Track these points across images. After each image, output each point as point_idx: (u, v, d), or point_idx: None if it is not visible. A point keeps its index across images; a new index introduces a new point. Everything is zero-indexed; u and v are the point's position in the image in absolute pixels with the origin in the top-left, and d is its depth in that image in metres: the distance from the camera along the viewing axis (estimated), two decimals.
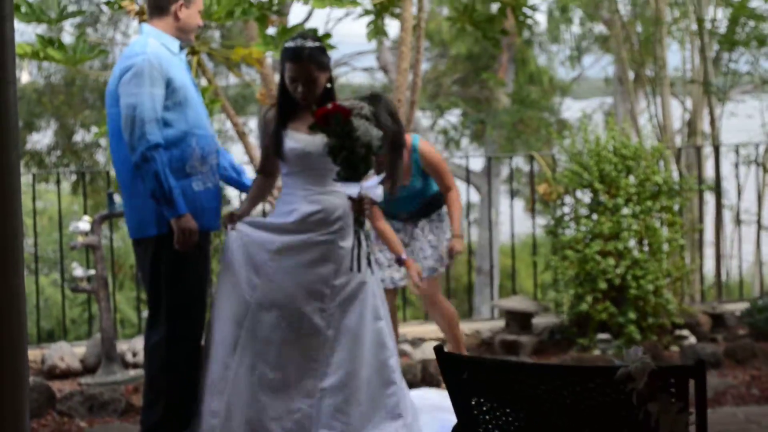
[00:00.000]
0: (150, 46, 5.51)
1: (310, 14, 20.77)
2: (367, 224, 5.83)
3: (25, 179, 15.82)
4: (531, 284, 17.43)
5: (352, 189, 5.43)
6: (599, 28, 19.77)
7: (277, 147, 5.61)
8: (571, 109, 24.14)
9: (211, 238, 5.88)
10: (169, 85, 5.48)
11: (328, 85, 5.61)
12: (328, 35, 8.02)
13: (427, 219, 6.91)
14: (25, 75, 20.06)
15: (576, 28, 21.33)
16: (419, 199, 6.86)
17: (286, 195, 5.64)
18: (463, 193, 18.64)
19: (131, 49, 5.58)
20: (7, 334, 3.13)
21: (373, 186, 5.51)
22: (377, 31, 8.92)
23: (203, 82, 8.57)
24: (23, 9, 7.90)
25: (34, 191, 9.46)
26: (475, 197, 22.55)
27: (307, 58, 5.52)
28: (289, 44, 5.58)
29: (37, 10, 7.93)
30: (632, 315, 8.37)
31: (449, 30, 19.69)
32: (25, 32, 20.97)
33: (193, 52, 8.31)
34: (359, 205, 5.45)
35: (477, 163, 23.09)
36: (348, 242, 5.54)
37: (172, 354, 5.60)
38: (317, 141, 5.50)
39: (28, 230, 15.43)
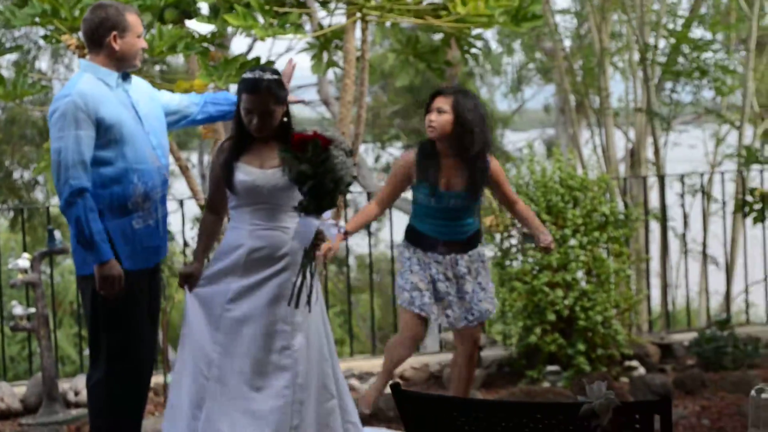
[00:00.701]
0: (79, 85, 5.38)
1: (251, 47, 20.71)
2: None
3: None
4: None
5: (310, 223, 5.31)
6: (539, 58, 19.82)
7: (228, 179, 5.48)
8: (511, 142, 24.21)
9: (159, 273, 5.73)
10: (101, 125, 5.34)
11: (285, 119, 5.50)
12: (270, 62, 7.93)
13: (468, 258, 6.49)
14: None
15: (518, 59, 21.42)
16: (468, 225, 6.49)
17: (234, 229, 5.51)
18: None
19: (62, 89, 5.45)
20: None
21: (330, 224, 5.40)
22: (329, 65, 8.84)
23: None
24: None
25: None
26: None
27: (265, 89, 5.40)
28: (247, 75, 5.46)
29: None
30: (581, 346, 8.32)
31: (393, 62, 19.64)
32: None
33: None
34: (315, 239, 5.33)
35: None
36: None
37: (113, 394, 5.46)
38: (268, 176, 5.39)
39: None
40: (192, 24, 8.05)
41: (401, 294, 6.50)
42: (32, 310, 7.72)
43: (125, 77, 5.55)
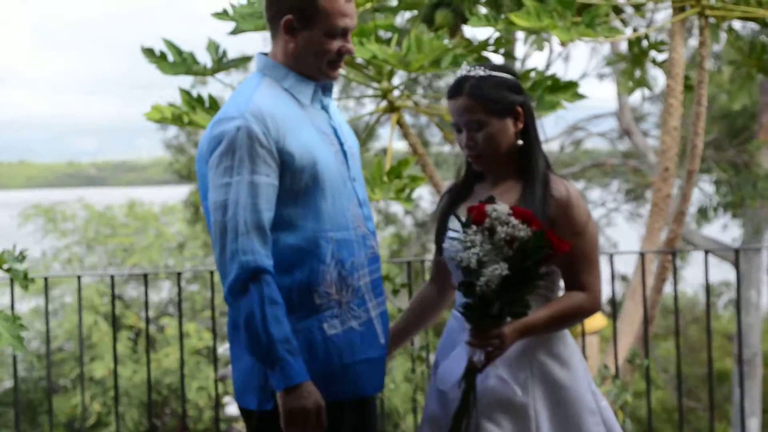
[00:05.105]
0: (254, 100, 3.33)
1: (548, 64, 18.88)
2: None
3: None
4: None
5: None
6: None
7: (438, 240, 3.58)
8: None
9: (371, 406, 3.55)
10: (289, 165, 3.29)
11: (520, 142, 3.50)
12: (574, 83, 5.94)
13: None
14: None
15: None
16: None
17: (454, 319, 3.54)
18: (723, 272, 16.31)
19: (228, 104, 3.38)
20: None
21: None
22: (639, 83, 6.86)
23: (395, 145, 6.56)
24: (171, 58, 6.12)
25: None
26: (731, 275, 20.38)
27: (470, 89, 3.47)
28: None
29: (189, 59, 6.14)
30: None
31: (728, 79, 17.21)
32: (169, 85, 18.92)
33: (392, 109, 6.38)
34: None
35: (730, 236, 20.91)
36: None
37: None
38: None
39: None
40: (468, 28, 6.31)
41: None
42: None
43: (325, 89, 3.50)
